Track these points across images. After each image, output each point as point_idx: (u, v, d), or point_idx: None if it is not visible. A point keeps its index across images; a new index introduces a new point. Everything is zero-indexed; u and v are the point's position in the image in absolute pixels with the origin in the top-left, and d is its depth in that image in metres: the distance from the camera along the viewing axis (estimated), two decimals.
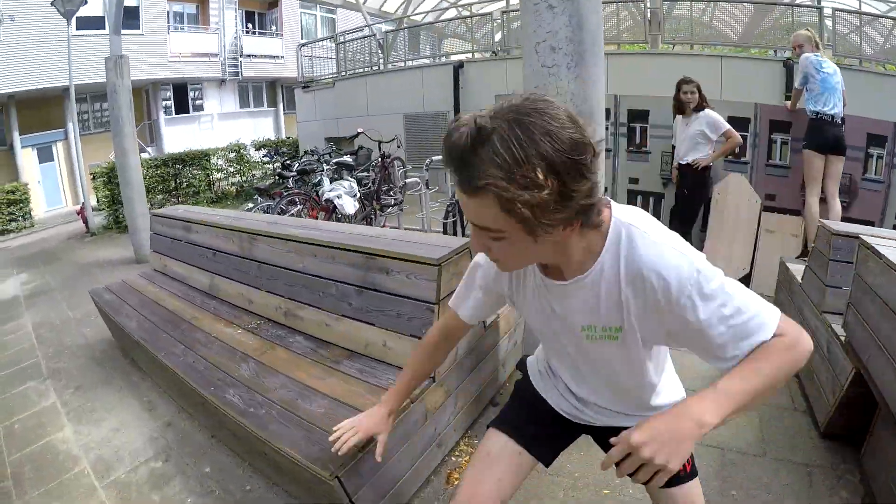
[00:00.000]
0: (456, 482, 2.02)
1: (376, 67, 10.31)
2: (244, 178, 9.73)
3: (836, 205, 3.79)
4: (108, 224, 7.40)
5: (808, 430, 2.13)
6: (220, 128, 15.46)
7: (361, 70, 10.42)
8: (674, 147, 4.46)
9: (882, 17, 6.21)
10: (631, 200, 5.01)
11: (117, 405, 3.02)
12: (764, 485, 1.81)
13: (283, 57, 16.77)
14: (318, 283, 2.50)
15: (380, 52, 10.15)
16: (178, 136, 13.98)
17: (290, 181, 5.87)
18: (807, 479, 1.84)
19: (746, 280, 4.02)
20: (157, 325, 2.88)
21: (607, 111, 4.79)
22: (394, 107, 9.36)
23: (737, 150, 4.14)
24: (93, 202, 7.73)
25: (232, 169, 9.54)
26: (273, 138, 12.34)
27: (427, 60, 10.47)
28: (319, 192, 5.41)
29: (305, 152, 7.18)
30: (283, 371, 2.23)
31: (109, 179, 7.40)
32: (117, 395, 3.11)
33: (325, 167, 6.09)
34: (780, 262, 3.30)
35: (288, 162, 6.85)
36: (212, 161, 9.17)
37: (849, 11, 6.27)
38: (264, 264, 2.80)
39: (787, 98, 4.58)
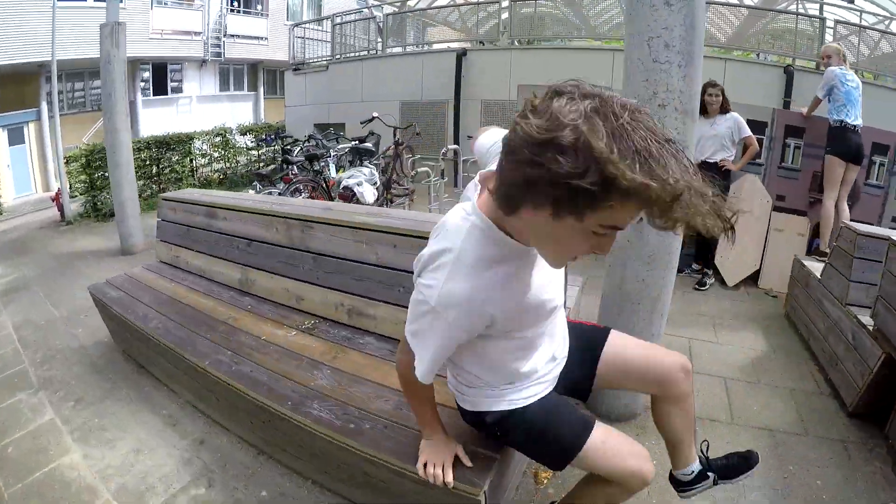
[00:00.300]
0: (545, 480, 2.03)
1: (374, 51, 9.83)
2: (228, 165, 9.09)
3: (846, 208, 4.04)
4: (86, 212, 6.69)
5: (836, 411, 2.38)
6: (199, 111, 14.62)
7: (358, 54, 9.92)
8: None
9: (886, 33, 6.17)
10: None
11: (130, 421, 2.54)
12: (812, 460, 2.05)
13: (266, 38, 16.04)
14: (395, 276, 2.14)
15: (379, 35, 9.65)
16: (154, 119, 13.02)
17: (296, 167, 5.41)
18: (844, 453, 2.10)
19: (755, 276, 4.18)
20: (188, 327, 2.41)
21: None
22: (390, 93, 8.90)
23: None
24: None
25: (216, 154, 8.88)
26: (258, 123, 11.64)
27: (427, 47, 10.05)
28: (328, 179, 5.00)
29: (308, 137, 6.69)
30: (367, 377, 1.89)
31: (88, 163, 6.71)
32: (128, 408, 2.63)
33: (332, 153, 5.69)
34: (795, 259, 3.49)
35: (289, 147, 6.34)
36: (195, 145, 8.52)
37: (849, 24, 6.36)
38: (322, 256, 2.37)
39: (787, 104, 4.99)
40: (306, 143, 6.57)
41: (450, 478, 1.31)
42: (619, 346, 1.43)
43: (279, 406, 1.77)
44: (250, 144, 9.45)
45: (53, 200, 7.24)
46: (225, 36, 15.08)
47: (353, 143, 5.98)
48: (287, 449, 2.02)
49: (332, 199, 5.37)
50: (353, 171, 4.70)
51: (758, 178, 4.41)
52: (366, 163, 4.94)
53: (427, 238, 1.12)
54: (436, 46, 9.72)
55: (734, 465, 1.52)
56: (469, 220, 1.03)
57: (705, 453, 1.54)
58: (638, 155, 0.72)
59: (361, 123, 5.69)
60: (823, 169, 4.06)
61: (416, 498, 1.48)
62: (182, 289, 2.89)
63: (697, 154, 4.28)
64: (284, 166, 5.72)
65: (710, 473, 1.50)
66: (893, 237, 2.18)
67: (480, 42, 9.42)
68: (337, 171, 5.63)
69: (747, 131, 4.11)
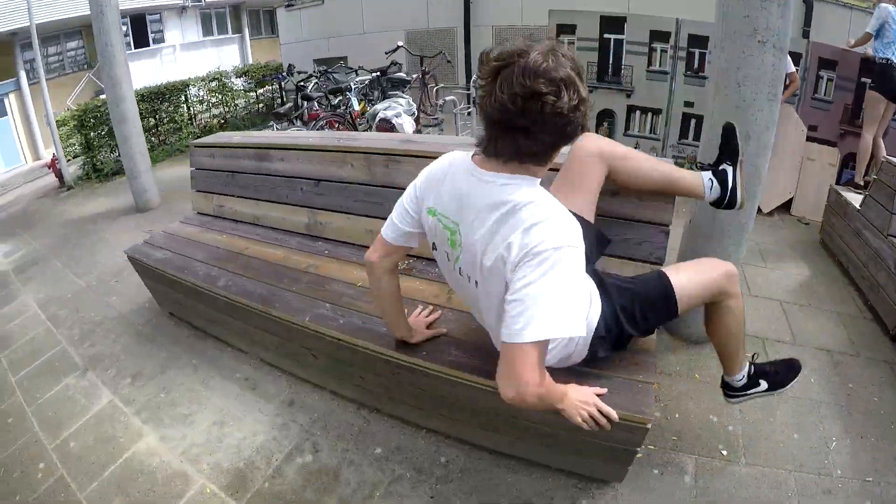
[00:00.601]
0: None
1: None
2: (227, 109, 8.51)
3: (882, 144, 4.07)
4: (86, 174, 6.13)
5: (879, 334, 2.45)
6: (184, 59, 13.73)
7: None
8: None
9: None
10: (685, 123, 4.88)
11: (202, 390, 2.22)
12: (866, 378, 2.14)
13: None
14: None
15: None
16: (139, 73, 11.92)
17: (315, 103, 4.92)
18: (892, 373, 2.18)
19: (789, 204, 4.17)
20: (265, 281, 2.05)
21: (668, 34, 4.74)
22: (394, 24, 8.24)
23: None
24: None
25: (214, 100, 8.25)
26: (255, 63, 10.80)
27: None
28: (352, 112, 4.57)
29: (321, 71, 6.14)
30: None
31: (82, 124, 6.11)
32: (195, 376, 2.31)
33: (353, 86, 5.22)
34: (831, 188, 3.53)
35: (302, 84, 5.78)
36: (191, 93, 7.90)
37: None
38: None
39: (805, 32, 4.73)
40: (319, 79, 6.03)
41: (614, 414, 1.25)
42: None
43: (410, 357, 1.54)
44: (247, 86, 8.92)
45: (49, 167, 6.67)
46: None
47: (374, 74, 5.46)
48: (405, 400, 1.80)
49: (356, 129, 4.99)
50: (389, 103, 4.20)
51: (793, 108, 4.31)
52: (399, 93, 4.42)
53: None
54: None
55: (783, 373, 1.60)
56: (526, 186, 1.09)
57: (754, 362, 1.60)
58: None
59: (386, 53, 5.22)
60: (865, 103, 4.04)
61: (574, 437, 1.41)
62: (238, 240, 2.48)
63: None
64: (303, 102, 5.22)
65: (761, 381, 1.58)
66: None
67: None
68: (358, 103, 5.19)
69: (791, 67, 4.04)
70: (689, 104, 4.84)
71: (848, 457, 1.74)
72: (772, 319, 2.57)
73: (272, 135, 2.98)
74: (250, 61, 14.85)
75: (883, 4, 3.88)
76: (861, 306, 2.70)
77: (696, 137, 4.86)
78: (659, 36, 4.73)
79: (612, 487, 1.62)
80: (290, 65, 6.47)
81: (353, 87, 5.14)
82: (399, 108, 4.15)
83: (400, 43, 5.14)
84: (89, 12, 4.26)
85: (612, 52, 4.89)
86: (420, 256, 2.04)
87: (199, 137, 7.93)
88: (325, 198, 2.29)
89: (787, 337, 2.43)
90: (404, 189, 1.36)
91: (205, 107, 8.18)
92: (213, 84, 8.14)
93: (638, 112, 5.08)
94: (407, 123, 4.14)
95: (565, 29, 4.91)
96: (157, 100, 7.17)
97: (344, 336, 1.65)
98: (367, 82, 5.53)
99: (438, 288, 1.87)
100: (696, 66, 4.76)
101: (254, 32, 16.69)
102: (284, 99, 10.18)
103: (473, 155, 1.15)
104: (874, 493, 1.61)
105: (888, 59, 3.87)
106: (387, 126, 4.14)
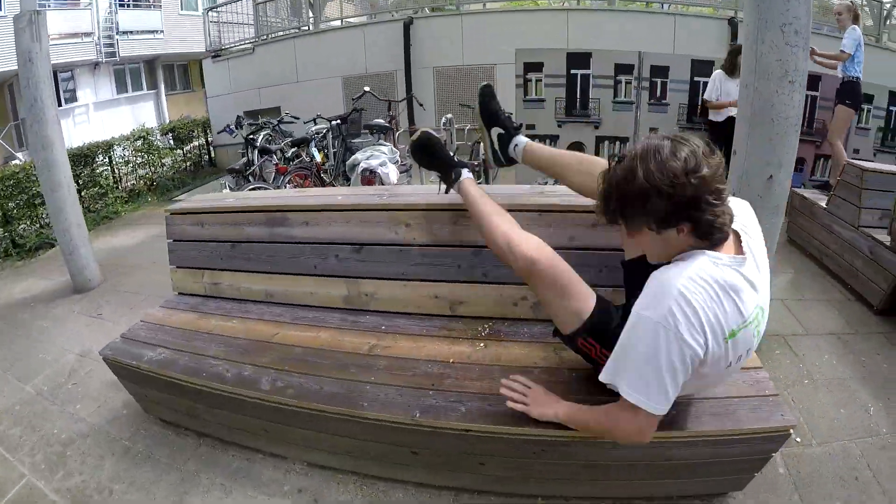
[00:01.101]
0: None
1: (306, 28, 8.90)
2: (154, 169, 7.83)
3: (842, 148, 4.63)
4: (4, 250, 5.25)
5: (866, 312, 2.89)
6: (98, 118, 12.83)
7: (289, 32, 8.95)
8: (703, 100, 4.75)
9: None
10: None
11: None
12: (871, 350, 2.53)
13: (162, 31, 14.34)
14: (589, 256, 1.77)
15: (310, 10, 8.73)
16: None
17: (276, 155, 4.65)
18: (886, 341, 2.59)
19: None
20: (331, 375, 1.67)
21: (632, 66, 5.09)
22: (330, 70, 8.22)
23: None
24: None
25: (140, 160, 7.55)
26: (184, 119, 10.09)
27: (366, 18, 9.28)
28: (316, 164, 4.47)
29: (266, 122, 5.86)
30: None
31: None
32: (229, 500, 1.85)
33: (311, 136, 5.02)
34: (794, 192, 3.80)
35: (252, 137, 5.39)
36: (117, 153, 7.20)
37: None
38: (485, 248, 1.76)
39: None
40: (271, 130, 5.72)
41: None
42: None
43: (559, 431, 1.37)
44: (172, 144, 8.34)
45: None
46: (117, 33, 13.36)
47: (334, 122, 5.22)
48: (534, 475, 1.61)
49: (324, 183, 4.73)
50: (370, 151, 3.92)
51: None
52: (380, 140, 4.18)
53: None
54: (378, 17, 8.95)
55: None
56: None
57: None
58: None
59: (353, 99, 5.03)
60: (835, 117, 4.50)
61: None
62: (258, 324, 2.07)
63: (726, 112, 4.63)
64: (259, 156, 4.87)
65: None
66: None
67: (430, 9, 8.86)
68: (318, 153, 4.92)
69: None
70: (654, 130, 5.15)
71: (885, 417, 2.09)
72: (782, 317, 2.86)
73: (283, 195, 2.64)
74: (167, 118, 14.20)
75: (854, 26, 4.18)
76: (843, 291, 3.16)
77: None
78: (623, 69, 4.94)
79: (731, 497, 1.71)
80: (238, 116, 6.07)
81: (313, 137, 4.90)
82: (383, 157, 3.88)
83: (366, 88, 4.96)
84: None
85: (578, 86, 4.99)
86: (503, 318, 1.82)
87: (126, 202, 7.29)
88: (368, 265, 1.97)
89: (799, 329, 2.76)
90: (473, 247, 1.54)
91: (130, 168, 7.48)
92: (139, 143, 7.47)
93: (606, 141, 5.20)
94: (392, 172, 3.88)
95: (532, 67, 4.96)
96: (79, 163, 6.43)
97: (474, 426, 1.39)
98: (323, 132, 5.31)
99: (540, 350, 1.63)
100: (658, 94, 5.11)
101: (170, 87, 16.08)
102: (213, 155, 9.66)
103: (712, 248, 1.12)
104: None
105: (858, 78, 4.27)
106: (371, 177, 3.86)
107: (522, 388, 1.42)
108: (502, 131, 1.77)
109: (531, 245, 1.38)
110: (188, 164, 8.71)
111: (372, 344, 1.79)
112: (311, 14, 8.78)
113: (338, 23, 8.96)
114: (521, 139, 1.77)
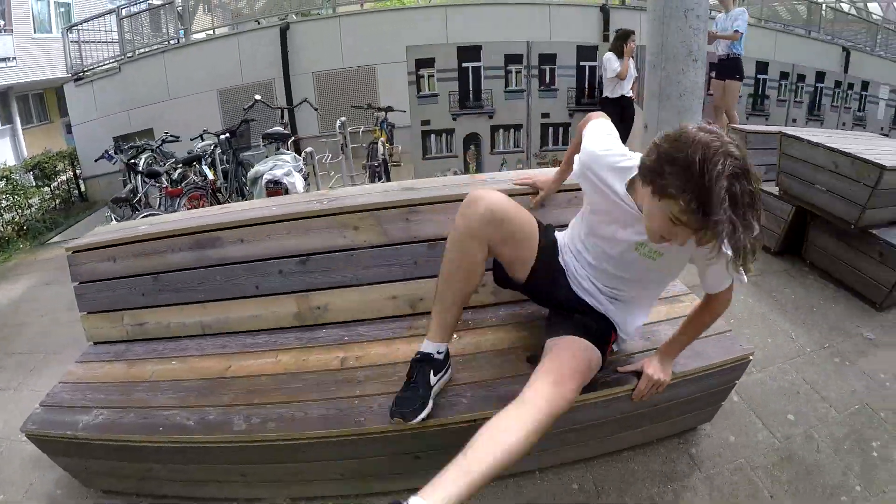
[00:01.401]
0: None
1: (175, 42, 8.29)
2: (21, 212, 6.86)
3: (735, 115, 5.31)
4: None
5: (764, 255, 3.17)
6: None
7: (156, 47, 8.28)
8: (601, 81, 5.19)
9: None
10: (544, 132, 5.45)
11: None
12: (779, 285, 2.93)
13: (15, 59, 12.52)
14: None
15: (179, 22, 8.14)
16: None
17: (164, 178, 4.34)
18: (790, 277, 3.02)
19: None
20: (311, 399, 1.57)
21: (521, 56, 5.22)
22: (204, 83, 7.89)
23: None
24: None
25: (5, 203, 6.59)
26: (48, 153, 8.86)
27: (240, 27, 8.83)
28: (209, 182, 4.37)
29: (145, 145, 5.42)
30: None
31: None
32: None
33: (203, 152, 4.79)
34: None
35: (133, 161, 4.94)
36: None
37: None
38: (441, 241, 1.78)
39: (606, 39, 6.11)
40: (153, 152, 5.29)
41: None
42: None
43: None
44: (39, 184, 7.50)
45: None
46: None
47: (222, 136, 4.95)
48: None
49: (220, 202, 4.51)
50: (273, 161, 3.71)
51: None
52: (280, 149, 3.97)
53: None
54: (251, 25, 8.55)
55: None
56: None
57: None
58: None
59: (244, 109, 4.76)
60: (725, 91, 5.15)
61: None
62: (204, 360, 1.89)
63: (619, 90, 4.94)
64: (145, 181, 4.48)
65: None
66: (783, 131, 3.07)
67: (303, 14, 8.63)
68: (209, 171, 4.66)
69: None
70: (545, 115, 5.37)
71: (806, 337, 2.44)
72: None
73: (207, 213, 2.41)
74: (26, 153, 12.41)
75: (741, 8, 4.79)
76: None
77: (555, 143, 5.43)
78: (513, 59, 5.12)
79: (702, 429, 1.89)
80: (115, 140, 5.53)
81: (203, 153, 4.62)
82: (287, 166, 3.70)
83: (258, 97, 4.71)
84: None
85: (471, 78, 5.11)
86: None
87: None
88: (317, 275, 1.89)
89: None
90: (428, 241, 1.70)
91: None
92: (2, 184, 6.53)
93: (501, 130, 5.39)
94: (298, 182, 3.72)
95: (424, 63, 4.99)
96: None
97: (480, 414, 1.37)
98: (211, 148, 5.02)
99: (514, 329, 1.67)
100: (547, 80, 5.29)
101: (27, 120, 14.29)
102: (83, 189, 8.66)
103: None
104: None
105: (740, 55, 5.00)
106: (277, 188, 3.67)
107: (650, 388, 1.46)
108: None
109: None
110: (57, 201, 7.92)
111: (342, 357, 1.72)
112: (180, 26, 8.20)
113: (210, 33, 8.43)
114: None
